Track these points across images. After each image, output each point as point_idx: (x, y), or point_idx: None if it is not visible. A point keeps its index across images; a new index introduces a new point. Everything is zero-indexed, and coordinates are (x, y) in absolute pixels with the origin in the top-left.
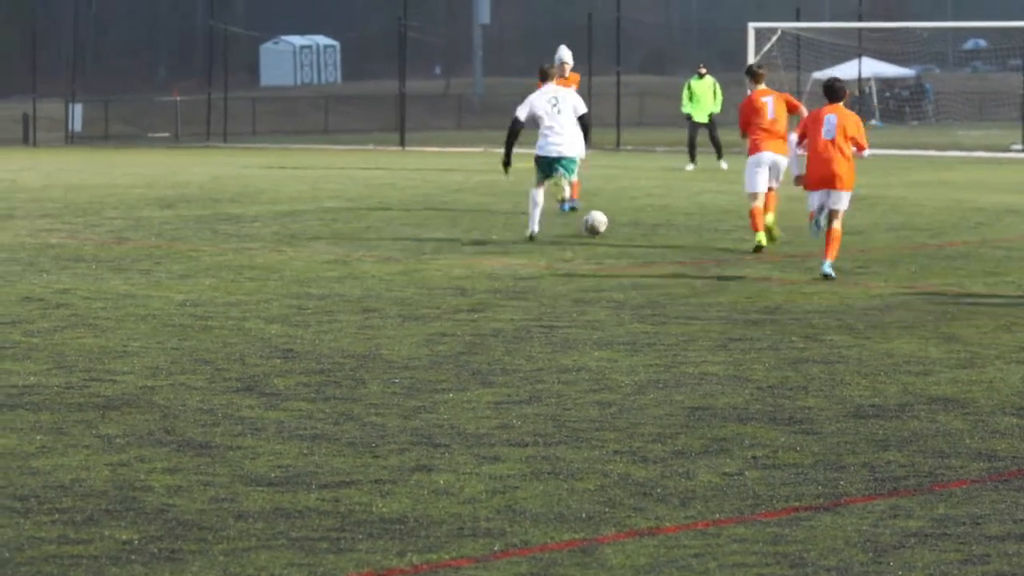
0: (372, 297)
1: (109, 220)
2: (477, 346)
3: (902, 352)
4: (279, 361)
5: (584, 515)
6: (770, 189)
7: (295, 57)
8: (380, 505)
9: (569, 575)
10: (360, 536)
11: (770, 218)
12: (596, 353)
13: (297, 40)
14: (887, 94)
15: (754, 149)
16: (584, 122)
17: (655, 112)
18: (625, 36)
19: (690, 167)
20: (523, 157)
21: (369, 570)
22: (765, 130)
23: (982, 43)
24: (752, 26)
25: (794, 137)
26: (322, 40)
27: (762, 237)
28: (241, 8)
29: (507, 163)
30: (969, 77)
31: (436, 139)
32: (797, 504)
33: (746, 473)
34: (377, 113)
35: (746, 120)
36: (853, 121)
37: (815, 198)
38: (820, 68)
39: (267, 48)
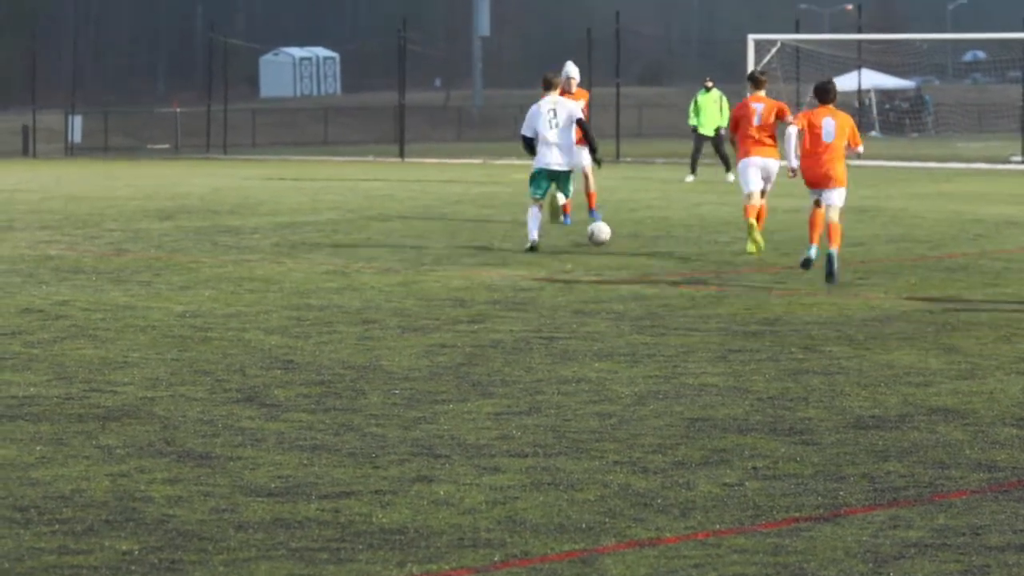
0: (372, 308)
1: (109, 232)
2: (477, 357)
3: (902, 363)
4: (279, 372)
5: (584, 525)
6: (762, 193)
7: (295, 69)
8: (380, 516)
9: None
10: (360, 547)
11: (758, 236)
12: (596, 364)
13: (297, 52)
14: (887, 106)
15: (743, 155)
16: (581, 126)
17: (654, 124)
18: (624, 48)
19: (690, 178)
20: (520, 168)
21: None
22: (752, 136)
23: (981, 55)
24: (752, 38)
25: (794, 129)
26: (322, 52)
27: (753, 223)
28: (241, 20)
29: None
30: (968, 89)
31: (436, 151)
32: (797, 515)
33: (746, 484)
34: (376, 125)
35: (735, 124)
36: (849, 122)
37: (812, 192)
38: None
39: (267, 60)
